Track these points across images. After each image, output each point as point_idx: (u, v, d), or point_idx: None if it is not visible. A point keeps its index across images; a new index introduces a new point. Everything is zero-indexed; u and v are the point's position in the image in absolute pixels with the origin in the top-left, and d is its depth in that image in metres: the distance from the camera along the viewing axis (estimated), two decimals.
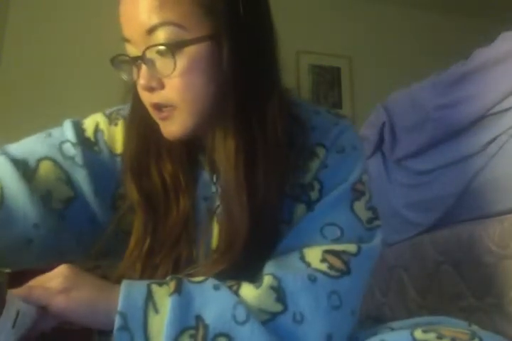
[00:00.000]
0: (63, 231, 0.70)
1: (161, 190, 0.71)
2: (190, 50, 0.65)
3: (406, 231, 1.44)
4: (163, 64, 0.65)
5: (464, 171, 1.25)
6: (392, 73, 3.05)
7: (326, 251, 0.64)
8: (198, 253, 0.70)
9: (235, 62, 0.66)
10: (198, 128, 0.69)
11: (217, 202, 0.71)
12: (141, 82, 0.66)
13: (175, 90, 0.66)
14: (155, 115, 0.69)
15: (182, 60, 0.64)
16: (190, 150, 0.74)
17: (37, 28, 2.76)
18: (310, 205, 0.69)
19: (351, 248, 0.66)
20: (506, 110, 1.16)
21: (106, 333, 0.58)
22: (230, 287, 0.60)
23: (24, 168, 0.70)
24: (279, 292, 0.60)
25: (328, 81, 3.21)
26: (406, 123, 1.49)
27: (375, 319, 0.89)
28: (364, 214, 0.70)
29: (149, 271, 0.68)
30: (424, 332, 0.58)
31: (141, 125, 0.73)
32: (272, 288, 0.60)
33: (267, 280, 0.61)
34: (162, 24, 0.64)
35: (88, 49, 2.80)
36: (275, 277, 0.61)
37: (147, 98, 0.68)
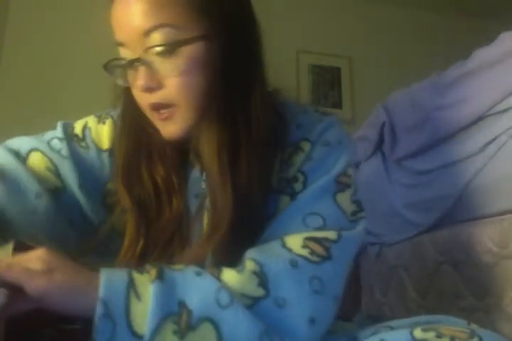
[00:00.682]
0: (58, 212, 0.72)
1: (153, 193, 0.73)
2: (187, 50, 0.66)
3: (406, 231, 1.44)
4: (161, 64, 0.67)
5: (463, 171, 1.25)
6: (392, 73, 3.05)
7: (307, 238, 0.65)
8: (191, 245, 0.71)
9: (226, 61, 0.68)
10: (193, 128, 0.70)
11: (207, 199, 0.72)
12: (141, 83, 0.67)
13: (175, 89, 0.67)
14: (154, 116, 0.70)
15: (179, 60, 0.66)
16: (181, 150, 0.75)
17: (37, 28, 2.76)
18: (293, 196, 0.69)
19: (332, 235, 0.66)
20: (506, 110, 1.16)
21: None
22: (212, 273, 0.60)
23: (17, 156, 0.75)
24: (261, 277, 0.60)
25: (328, 81, 3.21)
26: (406, 123, 1.49)
27: (375, 319, 0.89)
28: (348, 207, 0.70)
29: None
30: (424, 331, 0.58)
31: (132, 129, 0.75)
32: (255, 273, 0.61)
33: (249, 265, 0.61)
34: (157, 26, 0.65)
35: (88, 49, 2.80)
36: (257, 262, 0.61)
37: (145, 99, 0.69)
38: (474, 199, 1.23)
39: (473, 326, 0.63)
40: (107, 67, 0.73)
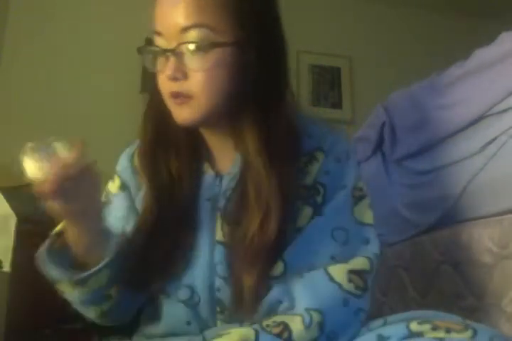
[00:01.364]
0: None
1: (167, 180, 0.80)
2: (217, 51, 0.73)
3: (406, 231, 1.44)
4: (191, 59, 0.73)
5: (463, 171, 1.25)
6: (392, 73, 3.05)
7: (350, 271, 0.71)
8: (200, 245, 0.77)
9: (256, 67, 0.75)
10: (206, 120, 0.77)
11: (221, 201, 0.78)
12: (169, 72, 0.73)
13: (197, 83, 0.73)
14: (171, 101, 0.76)
15: (208, 58, 0.73)
16: (195, 153, 0.82)
17: (37, 28, 2.76)
18: (316, 209, 0.75)
19: (366, 265, 0.73)
20: (506, 110, 1.16)
21: (106, 333, 0.59)
22: (280, 334, 0.64)
23: None
24: (322, 324, 0.66)
25: (328, 81, 3.21)
26: (406, 123, 1.49)
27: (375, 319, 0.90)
28: (364, 217, 0.76)
29: (151, 248, 0.76)
30: (420, 324, 0.61)
31: (154, 118, 0.82)
32: (319, 323, 0.66)
33: (315, 317, 0.66)
34: (196, 25, 0.72)
35: (88, 50, 2.80)
36: (320, 312, 0.66)
37: (168, 86, 0.75)
38: (474, 199, 1.23)
39: (468, 321, 0.64)
40: (141, 51, 0.78)
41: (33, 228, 1.85)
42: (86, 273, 0.72)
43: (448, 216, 1.30)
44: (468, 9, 3.38)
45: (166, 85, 0.76)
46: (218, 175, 0.80)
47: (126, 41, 2.84)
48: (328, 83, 3.21)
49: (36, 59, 2.73)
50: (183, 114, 0.75)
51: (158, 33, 0.75)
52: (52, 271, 0.74)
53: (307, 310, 0.66)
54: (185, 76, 0.73)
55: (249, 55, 0.74)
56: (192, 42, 0.72)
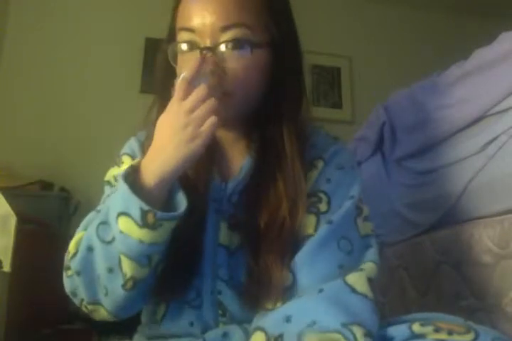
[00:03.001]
0: None
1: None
2: (255, 51, 0.74)
3: (406, 231, 1.44)
4: (230, 57, 0.74)
5: (463, 171, 1.25)
6: (392, 73, 3.05)
7: (368, 280, 0.70)
8: (204, 247, 0.76)
9: (284, 68, 0.77)
10: (235, 120, 0.78)
11: (226, 205, 0.79)
12: (209, 67, 0.72)
13: (235, 80, 0.73)
14: None
15: (247, 57, 0.74)
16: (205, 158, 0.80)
17: (37, 29, 2.76)
18: (319, 217, 0.75)
19: (374, 270, 0.73)
20: (506, 110, 1.16)
21: (106, 333, 0.58)
22: None
23: None
24: (370, 334, 0.63)
25: (328, 81, 3.21)
26: (406, 123, 1.49)
27: None
28: (363, 229, 0.77)
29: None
30: (422, 325, 0.61)
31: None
32: (365, 334, 0.62)
33: (358, 330, 0.62)
34: (236, 25, 0.73)
35: (89, 50, 2.80)
36: (360, 325, 0.63)
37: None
38: (474, 199, 1.23)
39: (470, 322, 0.64)
40: (171, 46, 0.77)
41: (33, 228, 1.85)
42: (174, 213, 0.68)
43: (448, 216, 1.30)
44: (468, 9, 3.38)
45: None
46: (224, 180, 0.80)
47: (126, 41, 2.85)
48: (328, 83, 3.21)
49: (36, 59, 2.73)
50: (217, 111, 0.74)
51: (190, 30, 0.75)
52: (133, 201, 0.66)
53: (344, 325, 0.62)
54: (224, 72, 0.73)
55: (281, 55, 0.77)
56: (232, 41, 0.73)
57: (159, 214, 0.65)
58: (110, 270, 0.70)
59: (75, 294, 0.74)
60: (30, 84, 2.68)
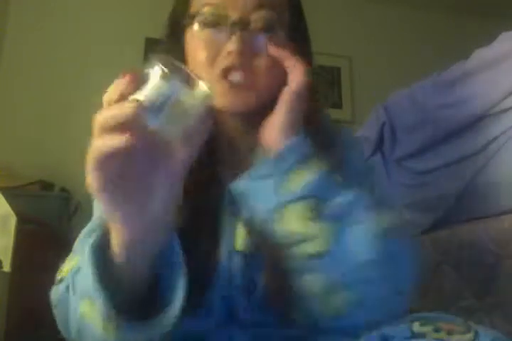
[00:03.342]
0: None
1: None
2: (280, 35, 0.70)
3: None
4: (259, 38, 0.68)
5: (464, 171, 1.25)
6: (392, 73, 3.05)
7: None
8: (219, 255, 0.69)
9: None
10: (255, 109, 0.70)
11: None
12: (237, 45, 0.66)
13: (261, 64, 0.68)
14: (223, 82, 0.68)
15: (274, 41, 0.68)
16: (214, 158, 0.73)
17: (36, 29, 2.76)
18: None
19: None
20: (506, 110, 1.16)
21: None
22: None
23: None
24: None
25: (328, 81, 3.21)
26: (406, 123, 1.49)
27: None
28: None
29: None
30: (422, 325, 0.61)
31: None
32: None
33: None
34: (270, 6, 0.69)
35: (89, 50, 2.80)
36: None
37: (224, 62, 0.67)
38: (474, 199, 1.23)
39: (470, 323, 0.64)
40: (197, 19, 0.70)
41: (33, 228, 1.85)
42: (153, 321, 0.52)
43: (448, 216, 1.30)
44: (468, 9, 3.38)
45: (217, 61, 0.68)
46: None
47: (126, 41, 2.84)
48: (328, 83, 3.21)
49: (36, 59, 2.73)
50: (234, 98, 0.68)
51: (216, 5, 0.68)
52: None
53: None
54: (252, 51, 0.67)
55: (298, 43, 0.71)
56: (264, 22, 0.68)
57: (125, 325, 0.50)
58: (79, 331, 0.57)
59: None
60: (30, 84, 2.68)
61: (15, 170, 2.47)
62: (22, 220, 1.74)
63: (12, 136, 2.56)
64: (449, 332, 0.59)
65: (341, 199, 0.61)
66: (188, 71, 0.48)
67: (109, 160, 0.46)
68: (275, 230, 0.62)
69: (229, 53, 0.67)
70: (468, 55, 1.30)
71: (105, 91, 0.52)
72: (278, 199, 0.61)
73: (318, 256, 0.59)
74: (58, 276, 0.67)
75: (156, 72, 0.48)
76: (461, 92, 1.28)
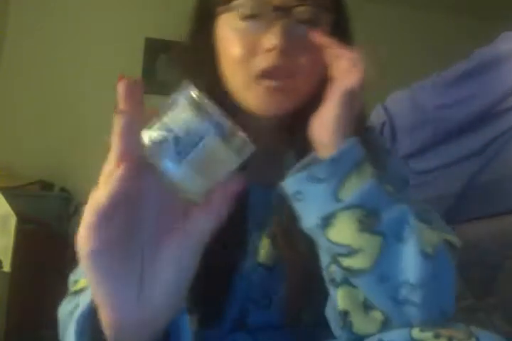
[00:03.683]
0: None
1: None
2: (323, 29, 0.64)
3: None
4: (302, 31, 0.62)
5: (464, 171, 1.25)
6: (392, 73, 3.05)
7: None
8: (241, 268, 0.65)
9: None
10: (292, 112, 0.64)
11: (268, 219, 0.66)
12: (277, 40, 0.59)
13: (305, 58, 0.62)
14: (258, 86, 0.61)
15: (316, 33, 0.63)
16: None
17: (36, 29, 2.76)
18: None
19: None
20: (506, 110, 1.16)
21: None
22: None
23: None
24: None
25: None
26: (406, 123, 1.49)
27: None
28: None
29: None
30: (422, 331, 0.58)
31: None
32: None
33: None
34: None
35: (89, 50, 2.80)
36: None
37: (260, 62, 0.60)
38: (475, 199, 1.23)
39: (472, 328, 0.63)
40: (221, 7, 0.62)
41: (33, 228, 1.86)
42: None
43: (448, 216, 1.30)
44: (468, 9, 3.38)
45: (254, 60, 0.60)
46: (267, 186, 0.64)
47: (126, 41, 2.84)
48: None
49: (36, 59, 2.73)
50: (272, 102, 0.61)
51: None
52: None
53: None
54: (296, 50, 0.60)
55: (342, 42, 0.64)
56: (308, 13, 0.61)
57: None
58: None
59: None
60: (30, 84, 2.68)
61: (15, 170, 2.47)
62: (22, 220, 1.74)
63: (12, 136, 2.56)
64: (450, 339, 0.57)
65: (391, 212, 0.57)
66: (224, 112, 0.35)
67: (108, 215, 0.35)
68: (320, 238, 0.57)
69: (268, 50, 0.59)
70: (469, 55, 1.30)
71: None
72: (330, 206, 0.55)
73: (361, 271, 0.55)
74: (71, 288, 0.62)
75: (187, 102, 0.34)
76: (461, 92, 1.28)
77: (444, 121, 1.32)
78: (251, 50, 0.61)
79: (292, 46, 0.59)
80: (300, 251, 0.62)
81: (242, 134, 0.35)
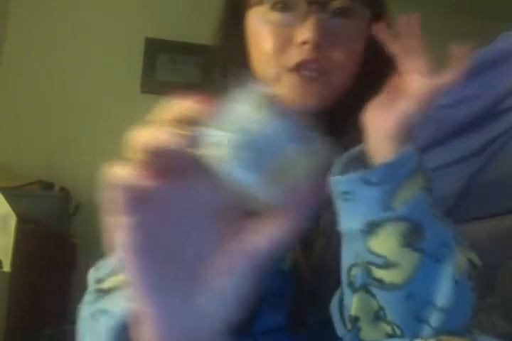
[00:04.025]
0: None
1: None
2: (360, 23, 0.62)
3: None
4: (336, 24, 0.59)
5: (464, 171, 1.24)
6: None
7: None
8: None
9: (375, 48, 0.61)
10: (328, 106, 0.61)
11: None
12: (311, 34, 0.57)
13: (338, 54, 0.59)
14: (293, 76, 0.59)
15: (353, 28, 0.61)
16: None
17: (36, 29, 2.76)
18: None
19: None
20: (506, 110, 1.16)
21: None
22: None
23: None
24: None
25: None
26: None
27: None
28: None
29: None
30: (424, 339, 0.58)
31: None
32: None
33: None
34: None
35: (88, 50, 2.80)
36: None
37: (294, 55, 0.58)
38: (475, 199, 1.23)
39: (475, 335, 0.62)
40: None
41: (33, 228, 1.86)
42: None
43: (448, 216, 1.29)
44: (468, 9, 3.38)
45: (296, 54, 0.58)
46: None
47: (126, 41, 2.84)
48: None
49: (36, 59, 2.73)
50: (308, 91, 0.59)
51: None
52: None
53: None
54: (330, 44, 0.58)
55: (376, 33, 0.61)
56: (344, 5, 0.58)
57: None
58: None
59: None
60: (30, 84, 2.68)
61: (15, 170, 2.47)
62: (22, 220, 1.74)
63: (12, 136, 2.56)
64: None
65: (434, 230, 0.55)
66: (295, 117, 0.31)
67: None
68: (356, 243, 0.53)
69: (302, 44, 0.57)
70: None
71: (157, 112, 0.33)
72: (379, 214, 0.52)
73: (392, 285, 0.52)
74: (95, 285, 0.58)
75: (261, 104, 0.30)
76: (461, 92, 1.28)
77: (444, 121, 1.32)
78: (284, 44, 0.59)
79: (326, 40, 0.58)
80: (314, 256, 0.60)
81: (319, 140, 0.32)
